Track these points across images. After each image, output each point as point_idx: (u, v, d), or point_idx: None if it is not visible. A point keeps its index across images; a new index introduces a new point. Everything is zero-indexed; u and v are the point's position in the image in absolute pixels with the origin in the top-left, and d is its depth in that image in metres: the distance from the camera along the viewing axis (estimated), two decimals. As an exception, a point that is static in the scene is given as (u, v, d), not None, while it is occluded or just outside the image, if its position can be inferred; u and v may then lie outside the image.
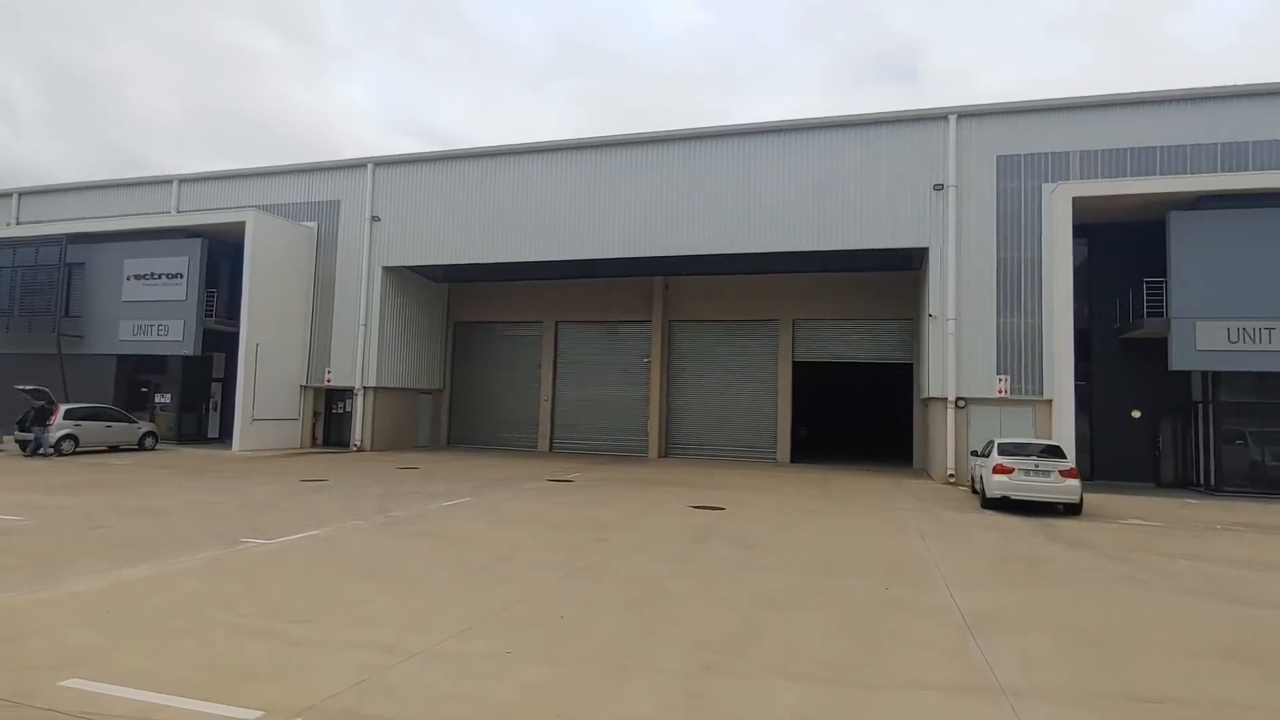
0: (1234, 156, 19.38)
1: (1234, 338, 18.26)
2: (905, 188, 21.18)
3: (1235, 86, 19.83)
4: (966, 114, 21.05)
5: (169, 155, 77.08)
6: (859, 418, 37.32)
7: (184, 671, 5.21)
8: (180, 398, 27.01)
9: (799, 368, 26.83)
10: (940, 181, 20.85)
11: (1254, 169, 19.09)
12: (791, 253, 22.72)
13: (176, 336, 24.80)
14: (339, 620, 6.53)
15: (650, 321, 27.87)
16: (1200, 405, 20.21)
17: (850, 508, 15.13)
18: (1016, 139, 20.62)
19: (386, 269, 26.55)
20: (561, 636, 6.25)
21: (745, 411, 27.08)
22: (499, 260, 25.38)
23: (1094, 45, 79.32)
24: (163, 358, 26.41)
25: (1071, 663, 5.94)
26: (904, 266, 24.22)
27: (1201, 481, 19.87)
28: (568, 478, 19.23)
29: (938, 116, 21.24)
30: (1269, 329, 18.05)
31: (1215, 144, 19.54)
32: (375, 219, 26.47)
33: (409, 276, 27.90)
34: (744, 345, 27.40)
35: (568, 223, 24.26)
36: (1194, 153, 19.64)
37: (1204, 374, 19.71)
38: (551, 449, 28.65)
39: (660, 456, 26.92)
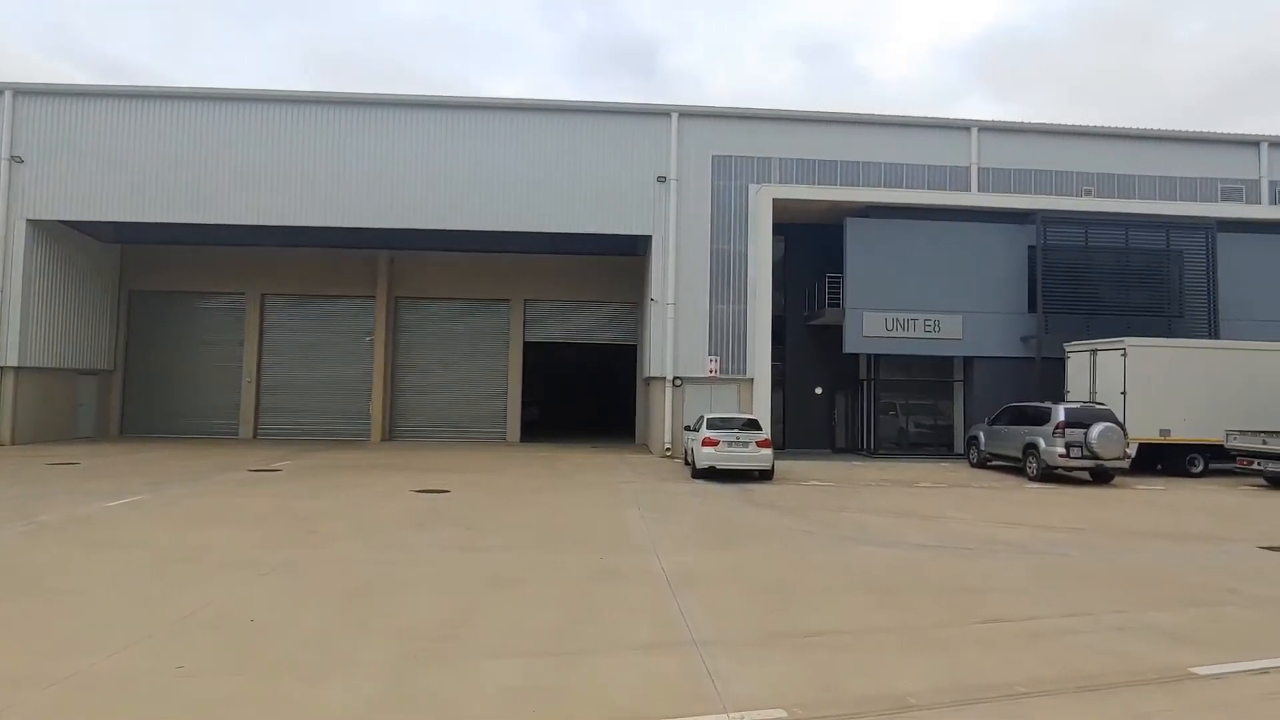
0: (893, 175, 23.11)
1: (890, 326, 21.91)
2: (632, 177, 22.19)
3: (893, 117, 23.68)
4: (687, 113, 22.57)
5: None
6: (588, 397, 38.71)
7: None
8: None
9: (530, 348, 27.02)
10: (663, 174, 22.15)
11: (906, 187, 22.93)
12: (523, 233, 22.69)
13: None
14: (-59, 654, 5.20)
15: (374, 297, 26.17)
16: (865, 382, 24.00)
17: (575, 484, 15.58)
18: (729, 141, 22.58)
19: (33, 223, 21.73)
20: (251, 642, 5.59)
21: (475, 392, 26.66)
22: (190, 220, 22.03)
23: (801, 64, 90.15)
24: None
25: (753, 610, 6.66)
26: (630, 252, 25.42)
27: (865, 446, 23.62)
28: (274, 467, 17.42)
29: (662, 113, 22.52)
30: (913, 319, 21.92)
31: (880, 163, 23.15)
32: (16, 159, 21.52)
33: (66, 234, 23.15)
34: (474, 325, 26.90)
35: (277, 184, 21.79)
36: (864, 169, 23.07)
37: (869, 356, 23.40)
38: (256, 436, 25.77)
39: (384, 440, 25.53)
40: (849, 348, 22.12)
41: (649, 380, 23.50)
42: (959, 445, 22.92)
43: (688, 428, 18.97)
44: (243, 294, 26.31)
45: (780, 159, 22.75)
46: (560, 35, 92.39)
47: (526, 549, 9.08)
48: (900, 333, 22.03)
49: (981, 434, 19.84)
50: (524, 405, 27.09)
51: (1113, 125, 24.54)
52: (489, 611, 6.49)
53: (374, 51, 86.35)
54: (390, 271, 26.33)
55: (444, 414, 26.54)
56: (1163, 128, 24.74)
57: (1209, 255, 22.14)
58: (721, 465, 15.89)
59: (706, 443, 15.93)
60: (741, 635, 5.94)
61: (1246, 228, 23.01)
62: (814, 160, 22.91)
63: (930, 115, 24.26)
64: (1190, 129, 25.02)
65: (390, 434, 26.07)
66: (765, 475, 16.28)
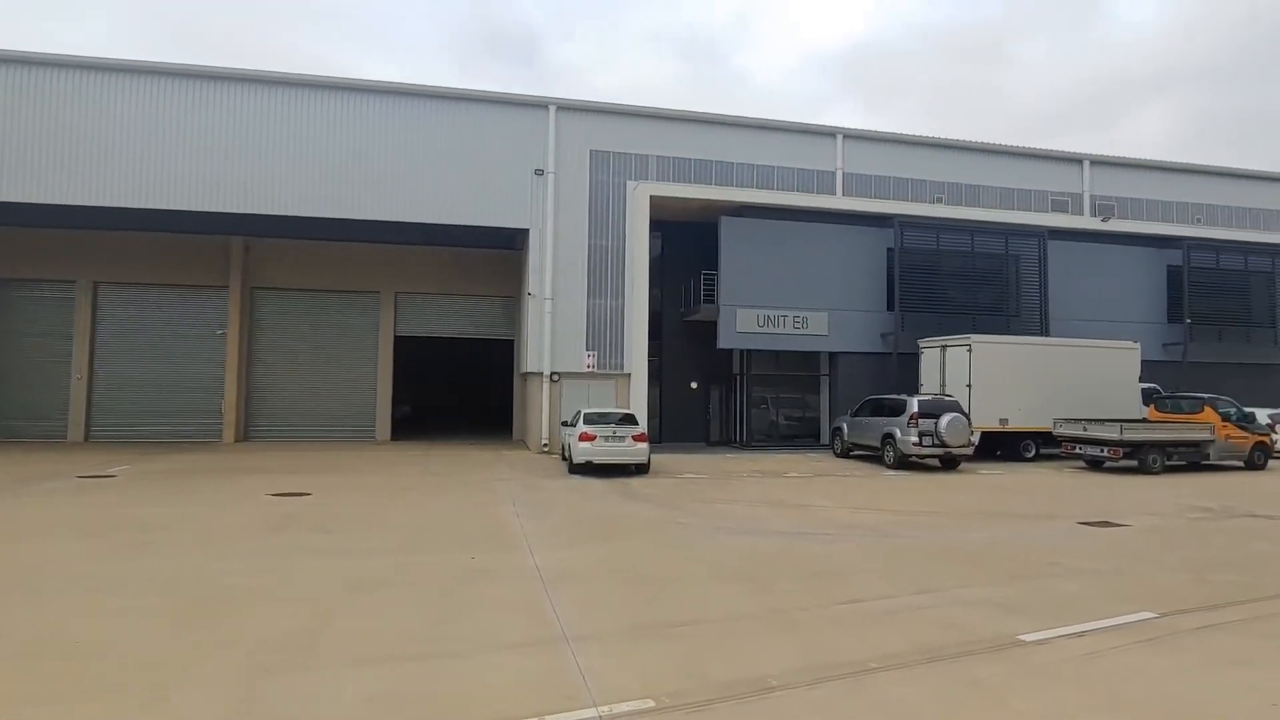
0: (765, 176, 23.94)
1: (761, 323, 22.68)
2: (509, 169, 21.76)
3: (766, 120, 24.48)
4: (565, 107, 22.38)
5: None
6: (464, 392, 37.83)
7: None
8: None
9: (402, 342, 25.99)
10: (541, 167, 21.88)
11: (777, 188, 23.80)
12: (395, 223, 21.73)
13: None
14: None
15: (227, 287, 24.29)
16: (738, 377, 24.74)
17: (448, 482, 15.14)
18: (608, 137, 22.59)
19: None
20: (77, 666, 5.03)
21: (341, 389, 25.30)
22: (8, 200, 19.60)
23: (681, 64, 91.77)
24: None
25: (625, 603, 6.69)
26: (507, 246, 24.98)
27: (738, 439, 24.37)
28: (109, 472, 15.84)
29: (539, 105, 22.22)
30: (783, 316, 22.80)
31: (753, 164, 23.90)
32: None
33: None
34: (341, 317, 25.51)
35: (115, 161, 19.74)
36: (738, 169, 23.76)
37: (742, 351, 24.13)
38: (88, 438, 23.32)
39: (238, 441, 23.79)
40: (723, 343, 22.73)
41: (526, 375, 23.21)
42: (825, 436, 24.08)
43: (565, 423, 18.87)
44: (72, 282, 23.69)
45: (658, 156, 23.01)
46: (439, 22, 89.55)
47: (393, 551, 8.72)
48: (771, 329, 22.86)
49: (845, 425, 20.93)
50: (395, 402, 26.04)
51: (961, 139, 26.59)
52: (351, 618, 6.17)
53: (238, 26, 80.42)
54: (245, 259, 24.54)
55: (306, 413, 25.03)
56: (1004, 143, 27.06)
57: (1041, 260, 24.37)
58: (598, 460, 15.93)
59: (583, 438, 15.91)
60: (613, 629, 5.95)
61: (1072, 236, 25.51)
62: (690, 159, 23.34)
63: (799, 121, 25.37)
64: (1027, 145, 27.48)
65: (245, 435, 24.34)
66: (642, 469, 16.47)
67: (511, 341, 26.77)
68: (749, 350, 23.89)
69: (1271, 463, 19.73)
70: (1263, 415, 20.95)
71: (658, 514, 11.61)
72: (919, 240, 23.67)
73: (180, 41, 76.99)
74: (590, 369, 21.72)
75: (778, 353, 24.17)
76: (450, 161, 21.47)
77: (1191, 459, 18.64)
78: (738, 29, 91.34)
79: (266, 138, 20.57)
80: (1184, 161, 29.29)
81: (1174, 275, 26.26)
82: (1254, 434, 19.32)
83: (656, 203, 22.27)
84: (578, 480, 15.50)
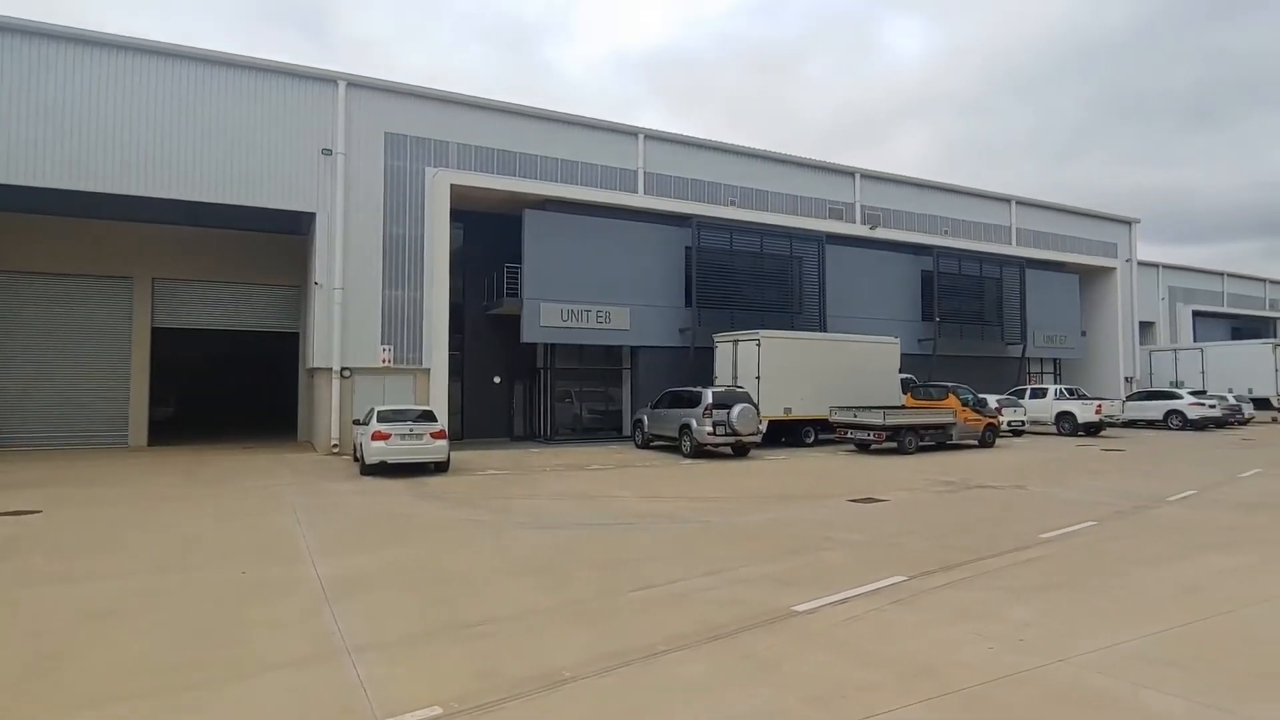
0: (569, 171, 24.03)
1: (565, 317, 22.77)
2: (293, 148, 20.00)
3: (571, 115, 24.54)
4: (356, 84, 20.97)
5: None
6: (240, 391, 34.41)
7: None
8: None
9: (161, 335, 23.00)
10: (329, 147, 20.35)
11: (581, 184, 24.00)
12: (154, 199, 19.16)
13: None
14: None
15: (-72, 268, 20.18)
16: (543, 371, 24.68)
17: (218, 491, 13.63)
18: (404, 120, 21.48)
19: None
20: None
21: (84, 388, 21.83)
22: None
23: (489, 50, 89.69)
24: None
25: (415, 609, 6.40)
26: (291, 230, 22.99)
27: (542, 433, 24.32)
28: None
29: (328, 79, 20.64)
30: (587, 310, 23.05)
31: (557, 159, 23.89)
32: None
33: None
34: (83, 306, 21.98)
35: None
36: (542, 163, 23.63)
37: (546, 345, 24.09)
38: None
39: (-52, 452, 19.88)
40: (527, 337, 22.55)
41: (314, 371, 21.53)
42: (627, 428, 24.70)
43: (357, 421, 17.69)
44: None
45: (459, 144, 22.28)
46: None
47: (146, 572, 7.68)
48: (575, 323, 23.03)
49: (645, 417, 21.60)
50: (156, 403, 23.03)
51: (752, 147, 28.36)
52: (88, 652, 5.34)
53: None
54: (-46, 236, 20.52)
55: (39, 415, 21.30)
56: (790, 153, 29.30)
57: (819, 262, 26.69)
58: (393, 459, 15.14)
59: (376, 436, 15.04)
60: (400, 636, 5.66)
61: (845, 241, 28.19)
62: (493, 149, 22.84)
63: (604, 118, 25.71)
64: (809, 156, 29.91)
65: (-43, 444, 20.37)
66: (441, 467, 15.90)
67: (297, 334, 24.71)
68: (553, 344, 23.92)
69: (999, 441, 23.12)
70: (992, 400, 24.49)
71: (455, 513, 11.26)
72: (714, 240, 24.97)
73: None
74: (386, 364, 20.60)
75: (581, 347, 24.44)
76: (223, 135, 19.30)
77: (939, 439, 21.36)
78: (550, 21, 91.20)
79: (-15, 91, 17.27)
80: (936, 180, 33.46)
81: (927, 279, 29.93)
82: (986, 416, 22.54)
83: (458, 192, 21.57)
84: (371, 482, 14.64)
